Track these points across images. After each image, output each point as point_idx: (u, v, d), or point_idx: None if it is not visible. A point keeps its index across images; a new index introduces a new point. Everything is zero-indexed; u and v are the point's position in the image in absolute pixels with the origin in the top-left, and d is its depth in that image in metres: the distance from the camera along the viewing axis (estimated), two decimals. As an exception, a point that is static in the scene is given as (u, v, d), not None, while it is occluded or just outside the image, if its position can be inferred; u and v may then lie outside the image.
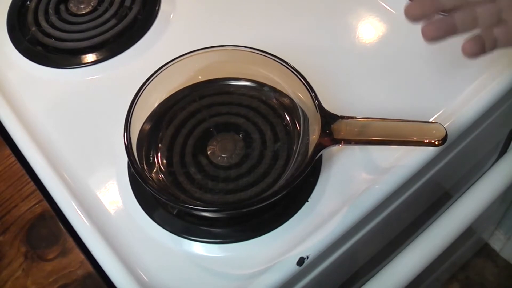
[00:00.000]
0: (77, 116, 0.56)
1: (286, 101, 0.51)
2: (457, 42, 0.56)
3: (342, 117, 0.45)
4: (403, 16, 0.39)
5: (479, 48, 0.37)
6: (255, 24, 0.61)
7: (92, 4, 0.64)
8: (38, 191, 0.51)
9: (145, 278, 0.45)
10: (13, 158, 0.53)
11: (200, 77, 0.53)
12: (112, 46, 0.60)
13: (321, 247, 0.45)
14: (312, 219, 0.46)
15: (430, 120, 0.51)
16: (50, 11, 0.64)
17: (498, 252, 1.22)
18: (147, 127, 0.50)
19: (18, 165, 0.53)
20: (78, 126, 0.55)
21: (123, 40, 0.61)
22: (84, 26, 0.62)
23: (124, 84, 0.57)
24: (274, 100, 0.52)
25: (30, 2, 0.65)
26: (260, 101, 0.52)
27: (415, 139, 0.45)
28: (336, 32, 0.59)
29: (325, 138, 0.44)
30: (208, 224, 0.47)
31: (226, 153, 0.49)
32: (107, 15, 0.63)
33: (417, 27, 0.56)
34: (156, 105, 0.52)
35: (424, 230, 0.59)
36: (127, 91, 0.49)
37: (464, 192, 0.62)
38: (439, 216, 0.60)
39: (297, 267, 0.44)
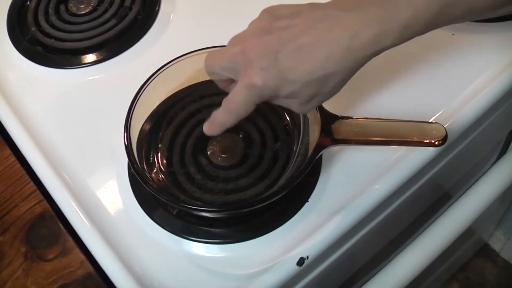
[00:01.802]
0: (77, 116, 0.56)
1: (286, 101, 0.51)
2: (457, 42, 0.56)
3: (342, 117, 0.45)
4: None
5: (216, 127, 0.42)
6: (255, 24, 0.61)
7: (92, 4, 0.64)
8: (38, 191, 0.51)
9: (145, 278, 0.45)
10: (13, 158, 0.53)
11: (200, 77, 0.53)
12: (112, 46, 0.60)
13: (321, 247, 0.45)
14: (312, 219, 0.46)
15: (430, 120, 0.51)
16: (50, 11, 0.64)
17: (498, 252, 1.22)
18: (147, 127, 0.50)
19: (18, 165, 0.53)
20: (78, 126, 0.55)
21: (123, 40, 0.61)
22: (84, 26, 0.62)
23: (124, 84, 0.57)
24: (274, 100, 0.52)
25: (30, 2, 0.65)
26: (260, 101, 0.52)
27: (415, 139, 0.45)
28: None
29: (325, 138, 0.44)
30: (208, 224, 0.47)
31: (226, 153, 0.49)
32: (107, 15, 0.63)
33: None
34: (156, 105, 0.52)
35: (424, 230, 0.59)
36: (127, 91, 0.49)
37: (464, 192, 0.62)
38: (439, 216, 0.61)
39: (297, 267, 0.44)
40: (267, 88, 0.37)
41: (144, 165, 0.48)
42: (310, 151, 0.44)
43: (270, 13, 0.38)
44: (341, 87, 0.38)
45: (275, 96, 0.38)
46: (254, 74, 0.36)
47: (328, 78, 0.36)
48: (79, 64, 0.59)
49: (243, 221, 0.47)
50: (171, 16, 0.63)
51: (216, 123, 0.41)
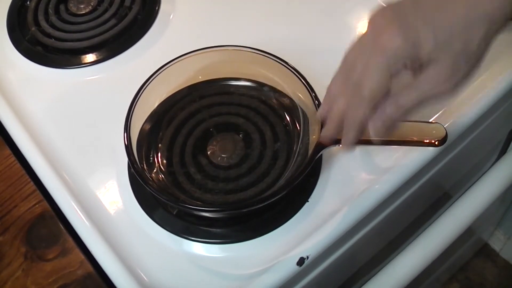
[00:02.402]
0: (77, 116, 0.56)
1: (286, 101, 0.51)
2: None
3: (342, 117, 0.45)
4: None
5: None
6: (255, 24, 0.61)
7: (92, 4, 0.64)
8: (38, 191, 0.51)
9: (145, 278, 0.45)
10: (13, 158, 0.53)
11: (200, 77, 0.53)
12: (112, 46, 0.60)
13: (321, 247, 0.45)
14: (312, 219, 0.46)
15: (430, 120, 0.51)
16: (50, 11, 0.64)
17: (498, 252, 1.22)
18: (147, 127, 0.50)
19: (18, 165, 0.53)
20: (78, 126, 0.55)
21: (123, 40, 0.61)
22: (84, 26, 0.62)
23: (124, 84, 0.57)
24: (274, 100, 0.52)
25: (30, 2, 0.65)
26: (260, 101, 0.52)
27: (415, 139, 0.45)
28: (336, 32, 0.59)
29: (325, 138, 0.44)
30: (208, 224, 0.47)
31: (226, 153, 0.49)
32: (107, 15, 0.63)
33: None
34: (156, 105, 0.52)
35: (424, 230, 0.59)
36: (127, 91, 0.49)
37: (464, 192, 0.62)
38: (439, 216, 0.60)
39: (297, 267, 0.44)
40: (406, 45, 0.34)
41: (144, 165, 0.48)
42: (310, 151, 0.44)
43: (391, 7, 0.36)
44: (485, 50, 0.36)
45: (415, 59, 0.35)
46: (389, 35, 0.34)
47: (472, 28, 0.34)
48: (79, 64, 0.59)
49: (243, 221, 0.47)
50: (171, 16, 0.63)
51: (353, 124, 0.38)
